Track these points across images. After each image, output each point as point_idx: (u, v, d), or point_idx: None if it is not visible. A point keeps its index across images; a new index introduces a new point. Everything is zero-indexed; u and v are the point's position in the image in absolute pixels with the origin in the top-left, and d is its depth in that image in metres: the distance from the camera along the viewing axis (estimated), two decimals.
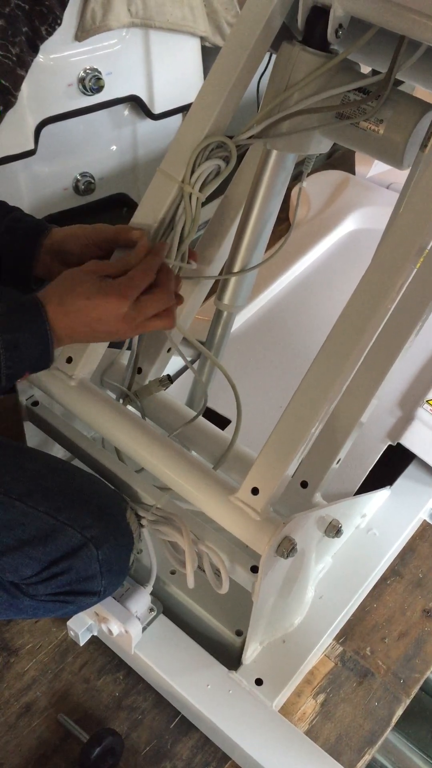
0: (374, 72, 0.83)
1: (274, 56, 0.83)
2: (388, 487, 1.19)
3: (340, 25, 0.77)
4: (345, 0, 0.74)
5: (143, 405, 1.03)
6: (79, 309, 0.78)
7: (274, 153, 0.87)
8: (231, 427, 1.18)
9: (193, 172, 0.84)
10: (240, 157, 0.89)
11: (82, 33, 1.50)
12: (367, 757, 0.98)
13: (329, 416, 0.90)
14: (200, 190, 0.85)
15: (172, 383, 1.02)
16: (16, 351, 0.75)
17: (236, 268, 0.96)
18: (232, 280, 0.98)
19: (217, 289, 1.00)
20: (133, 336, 0.83)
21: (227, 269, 0.97)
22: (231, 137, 0.84)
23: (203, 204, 0.87)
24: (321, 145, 0.87)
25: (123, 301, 0.78)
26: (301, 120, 0.82)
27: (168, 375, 1.03)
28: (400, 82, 0.84)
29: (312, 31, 0.79)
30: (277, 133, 0.83)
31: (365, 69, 0.87)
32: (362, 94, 0.79)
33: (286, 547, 0.80)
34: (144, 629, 0.98)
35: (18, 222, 0.93)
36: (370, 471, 1.18)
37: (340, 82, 0.80)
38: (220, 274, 1.00)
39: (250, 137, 0.84)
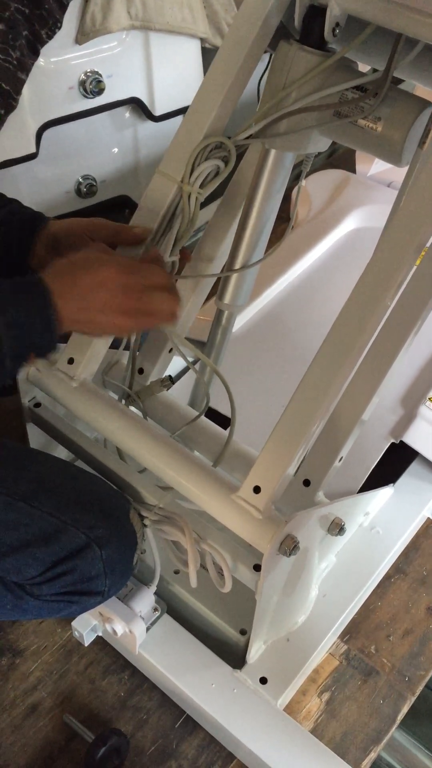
0: (374, 70, 0.83)
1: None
2: (392, 485, 1.19)
3: (337, 24, 0.77)
4: None
5: (145, 405, 1.03)
6: (73, 273, 0.74)
7: (273, 152, 0.87)
8: None
9: (192, 172, 0.84)
10: (239, 157, 0.89)
11: (83, 36, 1.51)
12: (372, 755, 0.98)
13: (331, 415, 0.90)
14: (200, 189, 0.85)
15: (173, 384, 1.03)
16: (17, 329, 0.71)
17: (236, 267, 0.96)
18: (233, 279, 0.98)
19: (218, 289, 1.01)
20: (137, 317, 0.78)
21: (227, 268, 0.97)
22: (230, 137, 0.85)
23: (202, 205, 0.87)
24: (319, 144, 0.87)
25: (120, 270, 0.75)
26: (299, 119, 0.82)
27: (169, 375, 1.03)
28: (399, 80, 0.84)
29: (309, 29, 0.79)
30: (276, 132, 0.84)
31: (363, 67, 0.87)
32: (360, 92, 0.79)
33: (289, 545, 0.80)
34: (148, 629, 0.98)
35: (14, 215, 0.93)
36: (373, 469, 1.18)
37: (338, 81, 0.80)
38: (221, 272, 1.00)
39: (248, 137, 0.84)
